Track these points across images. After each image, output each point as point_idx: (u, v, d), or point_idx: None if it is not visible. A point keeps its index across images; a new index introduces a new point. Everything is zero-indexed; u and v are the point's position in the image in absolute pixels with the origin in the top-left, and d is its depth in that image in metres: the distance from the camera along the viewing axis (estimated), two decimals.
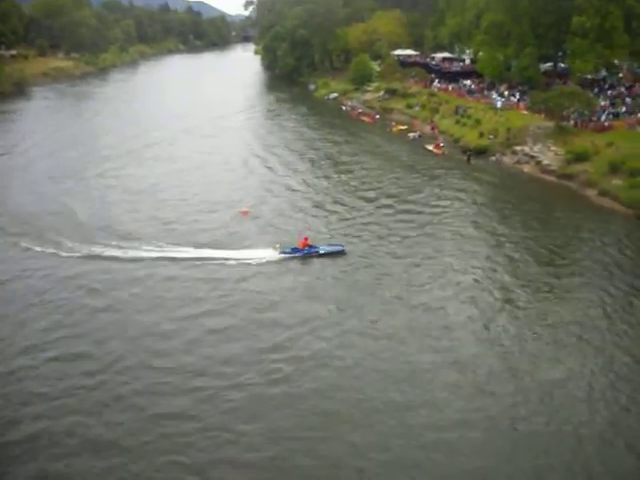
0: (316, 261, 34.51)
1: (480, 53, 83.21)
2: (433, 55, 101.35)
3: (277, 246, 34.98)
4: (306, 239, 35.32)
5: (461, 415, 21.75)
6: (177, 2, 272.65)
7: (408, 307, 29.38)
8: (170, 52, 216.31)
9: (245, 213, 41.92)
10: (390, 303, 29.76)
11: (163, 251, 34.78)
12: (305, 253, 34.79)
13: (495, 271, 33.62)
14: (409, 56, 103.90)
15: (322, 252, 34.96)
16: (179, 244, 35.71)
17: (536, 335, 27.10)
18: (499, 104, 70.24)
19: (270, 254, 34.49)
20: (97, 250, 34.81)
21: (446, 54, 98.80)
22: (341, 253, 35.27)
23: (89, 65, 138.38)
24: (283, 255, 34.51)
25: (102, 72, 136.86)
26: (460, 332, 27.16)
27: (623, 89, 70.21)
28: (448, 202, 45.69)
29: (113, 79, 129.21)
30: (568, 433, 20.92)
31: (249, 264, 33.56)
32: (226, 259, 33.88)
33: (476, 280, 32.55)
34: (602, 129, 56.39)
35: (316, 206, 44.31)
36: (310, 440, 20.49)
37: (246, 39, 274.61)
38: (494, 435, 20.91)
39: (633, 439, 20.77)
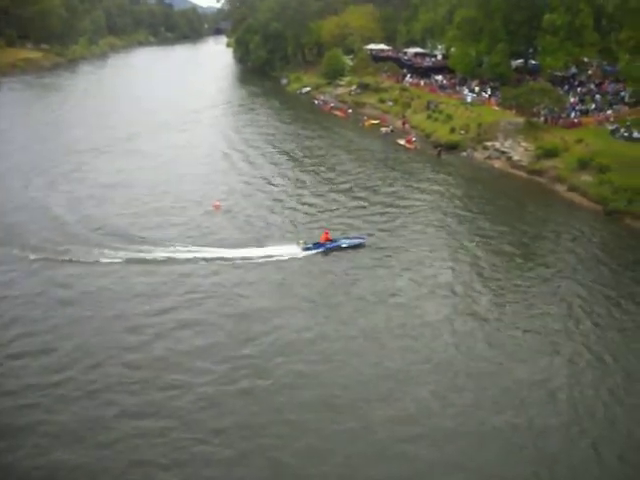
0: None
1: (452, 49, 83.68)
2: (405, 50, 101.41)
3: (301, 242, 34.81)
4: (327, 233, 35.35)
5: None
6: None
7: (385, 304, 29.34)
8: (141, 44, 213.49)
9: (217, 207, 41.60)
10: (365, 300, 29.71)
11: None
12: (327, 248, 34.77)
13: (465, 264, 33.84)
14: (382, 51, 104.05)
15: (344, 245, 35.05)
16: (180, 243, 35.06)
17: (504, 329, 27.28)
18: (469, 99, 70.89)
19: (294, 250, 34.28)
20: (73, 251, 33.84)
21: (418, 49, 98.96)
22: (360, 246, 35.51)
23: (59, 56, 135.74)
24: (307, 252, 34.27)
25: (72, 64, 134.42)
26: (425, 329, 27.23)
27: (592, 86, 70.98)
28: (420, 196, 45.77)
29: (83, 71, 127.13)
30: (534, 427, 21.15)
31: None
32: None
33: (446, 273, 32.68)
34: (572, 125, 57.03)
35: (291, 201, 43.94)
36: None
37: (218, 32, 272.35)
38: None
39: (598, 435, 21.12)
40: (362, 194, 45.65)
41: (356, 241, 35.62)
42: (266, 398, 22.11)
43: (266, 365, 23.95)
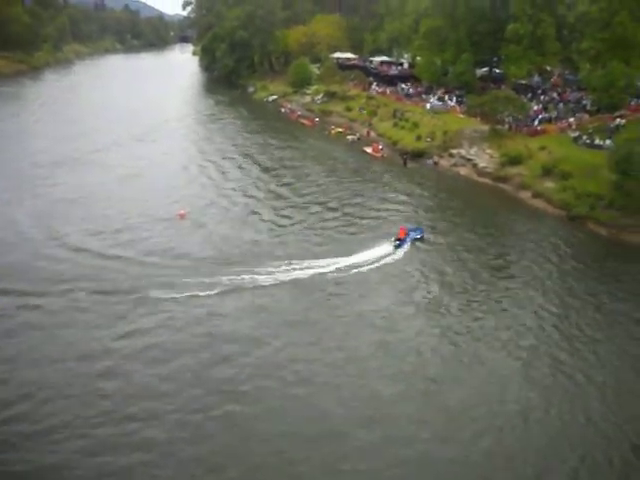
0: None
1: (418, 57, 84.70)
2: (372, 59, 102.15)
3: (393, 240, 37.13)
4: (402, 229, 38.02)
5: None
6: (114, 0, 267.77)
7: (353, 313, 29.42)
8: (107, 51, 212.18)
9: (182, 216, 41.24)
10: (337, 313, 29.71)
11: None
12: (407, 241, 37.48)
13: (435, 273, 34.01)
14: (348, 59, 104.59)
15: (418, 237, 38.24)
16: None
17: (471, 335, 27.55)
18: (428, 106, 72.03)
19: (388, 249, 36.31)
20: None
21: (385, 58, 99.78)
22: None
23: (21, 64, 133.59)
24: (399, 249, 36.63)
25: (35, 71, 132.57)
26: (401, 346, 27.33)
27: (555, 94, 72.17)
28: (388, 206, 45.61)
29: (47, 79, 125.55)
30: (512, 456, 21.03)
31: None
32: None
33: (413, 283, 32.87)
34: (535, 133, 57.84)
35: (262, 210, 43.59)
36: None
37: (184, 39, 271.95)
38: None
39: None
40: (329, 205, 45.32)
41: (419, 233, 38.69)
42: None
43: None
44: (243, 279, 31.51)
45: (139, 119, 78.18)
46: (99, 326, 26.98)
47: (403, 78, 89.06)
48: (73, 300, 29.15)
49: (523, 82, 75.36)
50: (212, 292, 30.16)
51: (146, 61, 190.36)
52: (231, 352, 25.36)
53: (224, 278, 31.44)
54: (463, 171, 55.63)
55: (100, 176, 50.60)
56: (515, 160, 52.34)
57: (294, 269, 33.10)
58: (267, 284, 31.44)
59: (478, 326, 28.40)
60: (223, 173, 53.91)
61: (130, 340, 26.02)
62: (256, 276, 31.95)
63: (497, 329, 28.24)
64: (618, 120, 56.85)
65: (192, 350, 25.36)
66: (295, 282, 31.90)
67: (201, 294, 29.83)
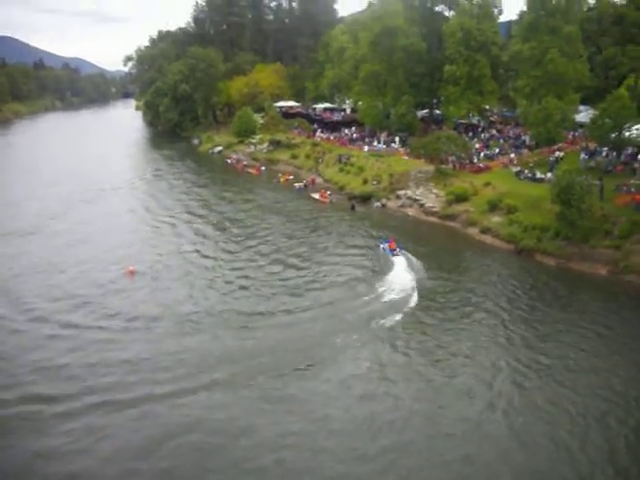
0: None
1: (359, 102, 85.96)
2: (315, 106, 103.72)
3: (390, 253, 42.89)
4: (392, 242, 44.00)
5: None
6: (53, 59, 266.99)
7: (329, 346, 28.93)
8: (47, 110, 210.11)
9: (132, 272, 40.43)
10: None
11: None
12: (399, 249, 43.49)
13: (390, 310, 33.74)
14: (291, 107, 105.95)
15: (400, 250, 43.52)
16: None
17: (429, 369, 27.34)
18: (366, 149, 73.54)
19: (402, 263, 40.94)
20: None
21: (327, 104, 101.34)
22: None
23: None
24: (396, 257, 42.27)
25: None
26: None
27: (495, 132, 74.13)
28: (338, 254, 44.97)
29: None
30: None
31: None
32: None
33: (366, 319, 32.75)
34: (479, 170, 58.92)
35: (215, 266, 42.69)
36: None
37: (126, 95, 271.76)
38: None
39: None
40: (274, 256, 44.38)
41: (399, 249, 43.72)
42: None
43: None
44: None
45: (82, 181, 74.13)
46: None
47: (346, 123, 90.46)
48: None
49: (463, 121, 77.38)
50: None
51: (87, 119, 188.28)
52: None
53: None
54: (411, 212, 56.13)
55: (44, 245, 47.98)
56: (461, 197, 53.10)
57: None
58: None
59: (444, 366, 28.32)
60: (173, 232, 51.76)
61: None
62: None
63: (456, 358, 28.26)
64: (557, 153, 58.61)
65: None
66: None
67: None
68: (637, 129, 49.07)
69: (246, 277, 40.08)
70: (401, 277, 38.91)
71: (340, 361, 28.85)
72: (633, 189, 45.54)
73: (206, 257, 44.58)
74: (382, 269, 40.98)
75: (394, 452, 22.14)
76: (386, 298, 35.79)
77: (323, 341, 30.69)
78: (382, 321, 32.62)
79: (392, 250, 43.22)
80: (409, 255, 42.87)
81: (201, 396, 25.82)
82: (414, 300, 35.28)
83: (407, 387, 26.41)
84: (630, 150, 53.43)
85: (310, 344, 30.35)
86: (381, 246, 44.91)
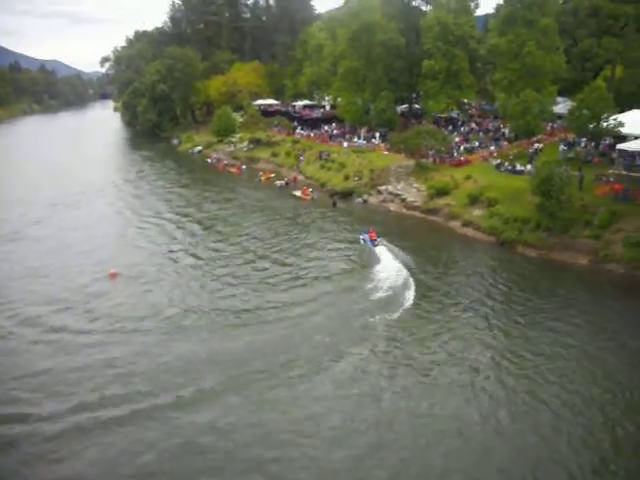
0: None
1: (339, 99, 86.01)
2: (294, 103, 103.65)
3: (371, 243, 44.14)
4: (372, 233, 45.04)
5: None
6: (29, 61, 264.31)
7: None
8: (25, 113, 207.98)
9: (113, 275, 40.13)
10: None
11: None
12: (378, 240, 44.64)
13: (373, 303, 33.86)
14: (270, 105, 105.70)
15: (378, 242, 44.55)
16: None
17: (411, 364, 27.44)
18: (345, 145, 73.81)
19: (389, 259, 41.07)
20: None
21: (307, 101, 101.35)
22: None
23: None
24: (376, 247, 43.60)
25: None
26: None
27: (474, 125, 74.45)
28: (319, 253, 44.41)
29: None
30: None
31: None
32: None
33: (353, 316, 32.67)
34: (459, 164, 59.13)
35: (202, 266, 42.30)
36: None
37: (104, 96, 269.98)
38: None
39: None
40: (259, 255, 44.21)
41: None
42: None
43: None
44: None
45: (63, 184, 73.31)
46: None
47: (326, 120, 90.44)
48: None
49: (443, 115, 77.70)
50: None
51: (66, 121, 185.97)
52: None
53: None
54: (392, 206, 56.24)
55: (26, 250, 46.97)
56: (442, 191, 53.30)
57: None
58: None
59: (426, 360, 28.37)
60: (156, 234, 50.90)
61: None
62: None
63: (442, 348, 28.28)
64: (536, 145, 58.95)
65: None
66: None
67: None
68: (614, 119, 49.39)
69: (232, 276, 39.78)
70: (387, 270, 39.08)
71: (330, 361, 28.41)
72: (612, 179, 45.99)
73: (190, 258, 44.09)
74: (368, 263, 41.11)
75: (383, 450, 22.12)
76: (372, 294, 35.70)
77: (309, 340, 30.33)
78: (369, 317, 32.55)
79: (373, 241, 44.36)
80: (391, 246, 43.63)
81: (187, 407, 24.88)
82: (402, 295, 35.23)
83: (394, 384, 26.32)
84: (608, 140, 53.89)
85: (296, 344, 29.99)
86: (362, 237, 45.84)
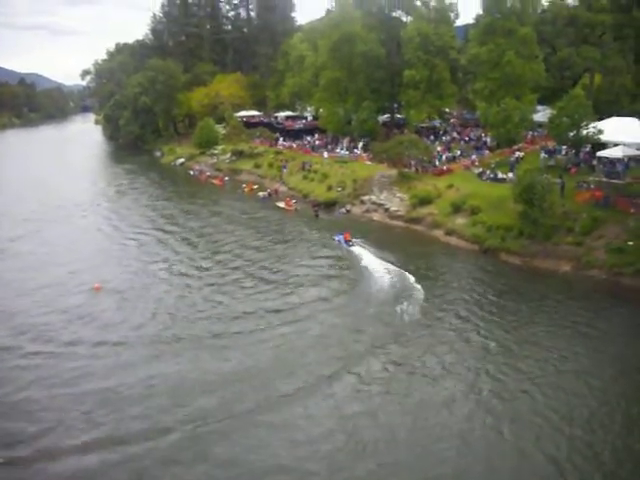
0: None
1: (321, 109, 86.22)
2: (276, 114, 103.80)
3: (346, 243, 46.76)
4: (347, 234, 47.82)
5: None
6: (8, 74, 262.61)
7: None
8: (4, 127, 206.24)
9: (98, 289, 39.77)
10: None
11: None
12: (352, 241, 47.38)
13: (359, 318, 33.85)
14: (253, 117, 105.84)
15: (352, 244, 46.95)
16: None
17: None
18: (325, 155, 74.40)
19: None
20: None
21: (289, 112, 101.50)
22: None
23: None
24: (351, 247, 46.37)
25: None
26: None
27: (456, 134, 74.94)
28: (300, 266, 43.55)
29: None
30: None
31: None
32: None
33: (336, 325, 32.63)
34: (441, 173, 59.42)
35: (184, 276, 42.35)
36: None
37: (85, 109, 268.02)
38: None
39: None
40: (244, 266, 43.94)
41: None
42: None
43: None
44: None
45: (45, 200, 70.76)
46: None
47: (308, 131, 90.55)
48: None
49: (425, 125, 78.16)
50: None
51: (46, 135, 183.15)
52: None
53: None
54: (376, 216, 56.34)
55: (4, 268, 45.54)
56: (425, 200, 53.53)
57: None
58: None
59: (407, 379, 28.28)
60: (140, 250, 49.88)
61: None
62: None
63: (427, 354, 28.20)
64: (517, 153, 59.51)
65: None
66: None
67: None
68: (594, 127, 49.93)
69: (217, 291, 38.92)
70: (372, 280, 39.42)
71: (321, 378, 27.59)
72: (592, 186, 46.41)
73: (175, 274, 43.13)
74: (353, 271, 41.40)
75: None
76: (357, 308, 35.62)
77: (299, 358, 29.77)
78: (357, 333, 32.19)
79: (347, 241, 47.16)
80: (366, 246, 46.48)
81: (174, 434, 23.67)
82: (388, 307, 35.24)
83: (387, 401, 25.81)
84: (588, 148, 54.38)
85: (286, 362, 29.36)
86: (337, 238, 48.45)
